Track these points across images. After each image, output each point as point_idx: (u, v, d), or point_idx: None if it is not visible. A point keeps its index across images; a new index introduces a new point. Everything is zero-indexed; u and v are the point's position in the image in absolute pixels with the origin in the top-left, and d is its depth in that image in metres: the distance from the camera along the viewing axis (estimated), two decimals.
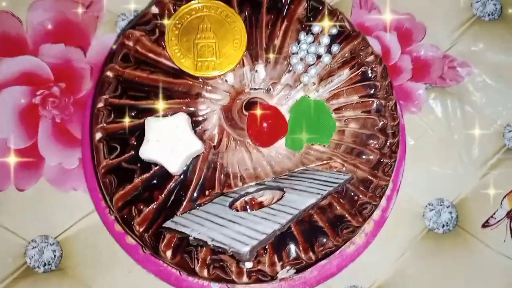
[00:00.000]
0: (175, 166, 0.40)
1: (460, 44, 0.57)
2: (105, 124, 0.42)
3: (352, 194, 0.43)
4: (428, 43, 0.57)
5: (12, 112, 0.52)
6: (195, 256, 0.41)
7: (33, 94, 0.53)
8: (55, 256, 0.51)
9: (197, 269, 0.41)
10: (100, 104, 0.43)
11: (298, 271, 0.42)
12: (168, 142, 0.40)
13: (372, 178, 0.43)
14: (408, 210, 0.54)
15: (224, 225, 0.36)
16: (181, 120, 0.40)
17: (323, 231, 0.42)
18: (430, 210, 0.54)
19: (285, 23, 0.44)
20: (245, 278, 0.41)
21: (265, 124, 0.41)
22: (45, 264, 0.51)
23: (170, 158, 0.40)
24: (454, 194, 0.54)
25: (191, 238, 0.37)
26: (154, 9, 0.44)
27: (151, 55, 0.43)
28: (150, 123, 0.40)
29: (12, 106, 0.53)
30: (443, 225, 0.54)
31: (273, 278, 0.41)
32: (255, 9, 0.44)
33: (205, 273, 0.41)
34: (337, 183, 0.40)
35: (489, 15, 0.57)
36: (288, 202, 0.38)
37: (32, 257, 0.50)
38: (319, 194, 0.38)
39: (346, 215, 0.42)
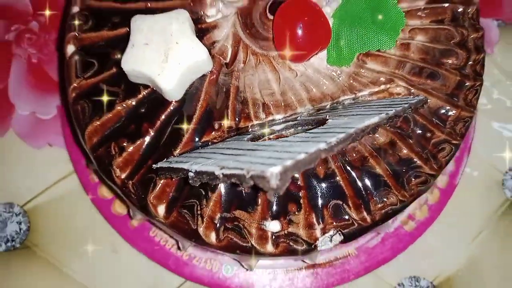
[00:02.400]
0: (170, 82, 0.28)
1: None
2: (80, 33, 0.31)
3: (423, 130, 0.30)
4: None
5: None
6: (198, 212, 0.28)
7: (6, 29, 0.43)
8: (20, 230, 0.39)
9: (200, 230, 0.28)
10: (75, 9, 0.32)
11: (347, 239, 0.29)
12: (161, 46, 0.28)
13: (450, 108, 0.30)
14: (483, 177, 0.41)
15: (242, 154, 0.24)
16: (180, 17, 0.29)
17: (382, 181, 0.29)
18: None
19: None
20: (269, 246, 0.29)
21: (299, 30, 0.29)
22: (7, 241, 0.39)
23: (163, 69, 0.28)
24: None
25: (191, 174, 0.24)
26: None
27: None
28: (137, 22, 0.29)
29: None
30: None
31: (310, 247, 0.29)
32: None
33: (212, 237, 0.29)
34: (407, 103, 0.27)
35: None
36: (337, 125, 0.25)
37: None
38: (382, 113, 0.26)
39: (415, 159, 0.29)
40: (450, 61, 0.31)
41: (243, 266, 0.35)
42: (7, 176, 0.40)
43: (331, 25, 0.30)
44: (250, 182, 0.21)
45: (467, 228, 0.40)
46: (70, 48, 0.31)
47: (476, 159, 0.40)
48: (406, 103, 0.27)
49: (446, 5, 0.32)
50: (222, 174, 0.22)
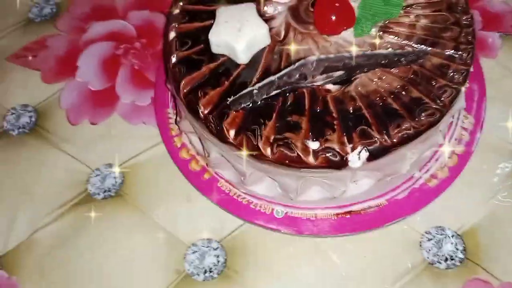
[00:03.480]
0: (241, 44, 0.40)
1: None
2: (178, 24, 0.45)
3: (429, 79, 0.40)
4: (496, 0, 0.56)
5: (96, 60, 0.57)
6: (259, 133, 0.39)
7: (117, 47, 0.58)
8: (116, 183, 0.50)
9: (260, 145, 0.38)
10: (176, 11, 0.46)
11: (373, 156, 0.38)
12: (236, 23, 0.41)
13: (449, 63, 0.40)
14: (496, 146, 0.48)
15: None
16: (249, 6, 0.42)
17: (398, 113, 0.38)
18: None
19: None
20: (311, 158, 0.38)
21: (332, 16, 0.41)
22: (105, 191, 0.49)
23: (237, 36, 0.40)
24: None
25: (255, 91, 0.35)
26: None
27: None
28: (221, 9, 0.42)
29: (97, 56, 0.57)
30: None
31: (342, 159, 0.37)
32: None
33: (268, 151, 0.38)
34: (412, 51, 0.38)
35: None
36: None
37: (94, 184, 0.50)
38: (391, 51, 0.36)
39: (424, 98, 0.39)
40: (447, 34, 0.41)
41: (290, 198, 0.43)
42: (110, 145, 0.52)
43: (355, 10, 0.42)
44: (297, 73, 0.31)
45: (484, 188, 0.46)
46: (172, 34, 0.45)
47: (489, 134, 0.48)
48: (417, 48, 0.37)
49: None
50: (277, 77, 0.33)
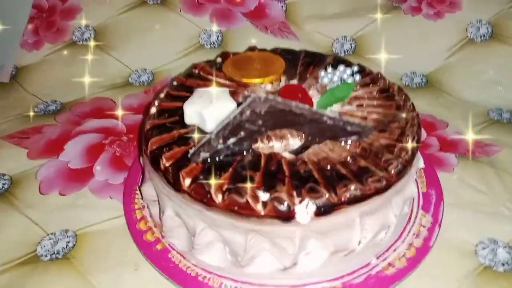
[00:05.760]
0: (210, 112, 0.45)
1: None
2: (159, 103, 0.51)
3: (376, 153, 0.43)
4: (451, 131, 0.63)
5: (82, 146, 0.61)
6: (212, 182, 0.40)
7: (105, 137, 0.63)
8: (66, 247, 0.48)
9: (212, 191, 0.39)
10: (162, 95, 0.52)
11: (320, 210, 0.38)
12: (209, 97, 0.47)
13: (395, 143, 0.43)
14: (456, 246, 0.48)
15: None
16: (224, 89, 0.48)
17: (346, 176, 0.40)
18: (483, 248, 0.47)
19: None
20: (259, 206, 0.38)
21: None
22: (52, 253, 0.48)
23: (207, 106, 0.45)
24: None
25: (212, 137, 0.39)
26: (219, 59, 0.59)
27: (209, 76, 0.55)
28: (198, 89, 0.48)
29: (84, 143, 0.62)
30: (503, 264, 0.45)
31: (290, 211, 0.38)
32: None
33: (219, 198, 0.39)
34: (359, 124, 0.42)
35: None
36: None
37: (43, 246, 0.48)
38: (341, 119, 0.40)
39: (371, 167, 0.41)
40: (395, 125, 0.46)
41: (240, 266, 0.41)
42: (71, 213, 0.52)
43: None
44: (248, 109, 0.35)
45: (445, 281, 0.44)
46: (153, 110, 0.50)
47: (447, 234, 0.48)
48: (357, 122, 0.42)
49: (391, 102, 0.49)
50: (231, 117, 0.37)
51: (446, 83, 0.72)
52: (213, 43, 0.78)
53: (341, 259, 0.43)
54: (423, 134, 0.63)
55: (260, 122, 0.38)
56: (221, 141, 0.39)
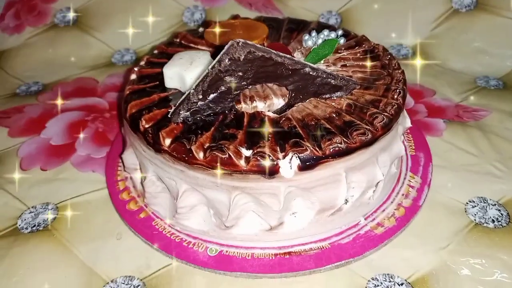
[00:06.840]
0: (191, 73, 0.44)
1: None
2: (140, 69, 0.49)
3: (361, 109, 0.42)
4: (439, 98, 0.62)
5: (64, 123, 0.60)
6: (194, 140, 0.39)
7: (87, 115, 0.62)
8: (47, 219, 0.47)
9: (193, 148, 0.38)
10: (142, 63, 0.51)
11: (304, 165, 0.37)
12: (189, 58, 0.45)
13: (381, 98, 0.42)
14: (446, 204, 0.47)
15: None
16: (205, 52, 0.47)
17: (330, 131, 0.39)
18: (473, 207, 0.46)
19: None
20: (242, 161, 0.37)
21: None
22: (33, 226, 0.46)
23: (188, 67, 0.44)
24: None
25: (191, 91, 0.38)
26: (201, 29, 0.58)
27: (191, 44, 0.54)
28: (178, 53, 0.47)
29: (66, 120, 0.61)
30: (493, 220, 0.45)
31: (274, 163, 0.37)
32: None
33: (200, 155, 0.38)
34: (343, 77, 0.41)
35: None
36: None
37: (24, 220, 0.47)
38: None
39: (356, 121, 0.40)
40: (380, 82, 0.45)
41: (225, 226, 0.40)
42: (53, 187, 0.51)
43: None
44: (226, 57, 0.34)
45: (435, 239, 0.43)
46: (132, 76, 0.49)
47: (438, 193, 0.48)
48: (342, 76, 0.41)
49: (376, 62, 0.49)
50: (209, 68, 0.35)
51: (432, 54, 0.71)
52: (197, 21, 0.77)
53: (329, 220, 0.42)
54: (411, 101, 0.62)
55: (240, 73, 0.37)
56: (200, 96, 0.38)
